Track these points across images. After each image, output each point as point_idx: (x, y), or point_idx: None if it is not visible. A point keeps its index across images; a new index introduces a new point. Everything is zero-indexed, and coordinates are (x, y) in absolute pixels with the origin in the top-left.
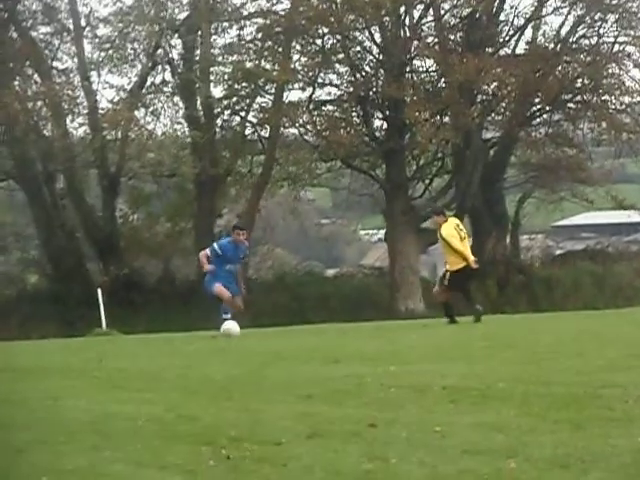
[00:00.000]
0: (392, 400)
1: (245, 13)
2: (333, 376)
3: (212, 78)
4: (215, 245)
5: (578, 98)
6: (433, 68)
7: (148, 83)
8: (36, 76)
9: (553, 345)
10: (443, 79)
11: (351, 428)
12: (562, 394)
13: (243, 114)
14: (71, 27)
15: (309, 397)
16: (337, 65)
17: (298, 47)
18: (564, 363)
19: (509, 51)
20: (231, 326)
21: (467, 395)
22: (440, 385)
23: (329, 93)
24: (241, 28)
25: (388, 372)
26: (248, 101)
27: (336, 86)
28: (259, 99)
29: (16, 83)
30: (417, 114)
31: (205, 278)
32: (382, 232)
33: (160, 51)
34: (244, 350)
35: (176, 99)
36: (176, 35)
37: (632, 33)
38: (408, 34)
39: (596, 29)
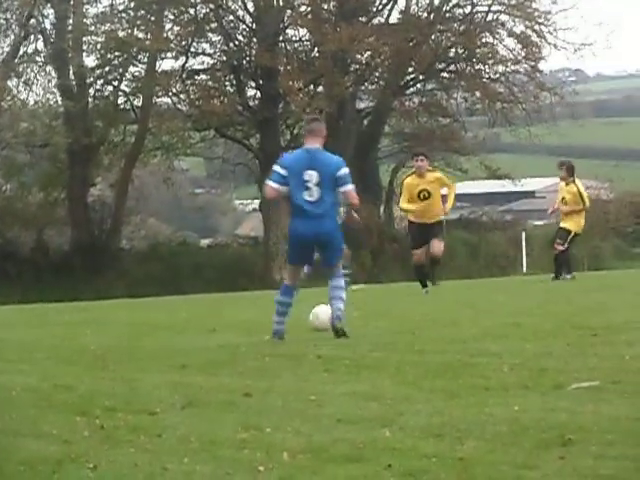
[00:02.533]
0: (267, 369)
1: None
2: (208, 346)
3: (85, 47)
4: None
5: (452, 67)
6: (306, 37)
7: (21, 52)
8: None
9: (428, 314)
10: (316, 48)
11: (226, 397)
12: (437, 363)
13: (116, 83)
14: None
15: (184, 367)
16: (210, 34)
17: (171, 16)
18: (439, 332)
19: (383, 20)
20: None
21: (342, 364)
22: (315, 354)
23: (202, 62)
24: None
25: (263, 341)
26: (121, 70)
27: (209, 55)
28: (132, 68)
29: None
30: (291, 83)
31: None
32: (257, 202)
33: (33, 21)
34: (119, 320)
35: (49, 69)
36: (49, 5)
37: (506, 2)
38: (281, 3)
39: None
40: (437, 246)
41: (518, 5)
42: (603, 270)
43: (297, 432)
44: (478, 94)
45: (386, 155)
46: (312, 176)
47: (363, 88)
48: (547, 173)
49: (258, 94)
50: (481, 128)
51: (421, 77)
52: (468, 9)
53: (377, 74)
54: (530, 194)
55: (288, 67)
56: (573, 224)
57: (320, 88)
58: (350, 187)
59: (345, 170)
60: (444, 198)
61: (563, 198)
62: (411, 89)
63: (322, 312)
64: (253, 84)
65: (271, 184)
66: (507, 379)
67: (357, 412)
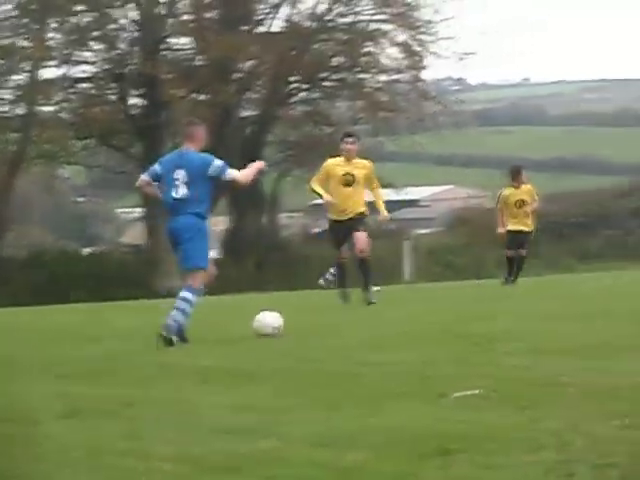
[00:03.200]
0: (146, 379)
1: None
2: (89, 355)
3: None
4: None
5: (335, 76)
6: (189, 45)
7: None
8: None
9: (309, 323)
10: (199, 56)
11: (107, 407)
12: (318, 372)
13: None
14: None
15: (65, 376)
16: (93, 43)
17: (54, 24)
18: (320, 341)
19: (266, 29)
20: None
21: (220, 374)
22: (194, 364)
23: (85, 71)
24: None
25: (143, 351)
26: (3, 78)
27: (92, 63)
28: (14, 76)
29: None
30: (174, 92)
31: None
32: (139, 210)
33: None
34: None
35: None
36: None
37: (388, 11)
38: (164, 11)
39: (353, 7)
40: (362, 238)
41: (400, 14)
42: (485, 279)
43: (176, 442)
44: (361, 103)
45: (270, 164)
46: (180, 174)
47: (247, 96)
48: (431, 182)
49: (141, 102)
50: (365, 137)
51: (305, 86)
52: (351, 18)
53: (260, 82)
54: (414, 203)
55: (171, 75)
56: (532, 225)
57: (203, 96)
58: (230, 173)
59: (217, 163)
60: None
61: (518, 201)
62: (295, 98)
63: (265, 318)
64: (136, 92)
65: (142, 176)
66: (389, 388)
67: (236, 422)
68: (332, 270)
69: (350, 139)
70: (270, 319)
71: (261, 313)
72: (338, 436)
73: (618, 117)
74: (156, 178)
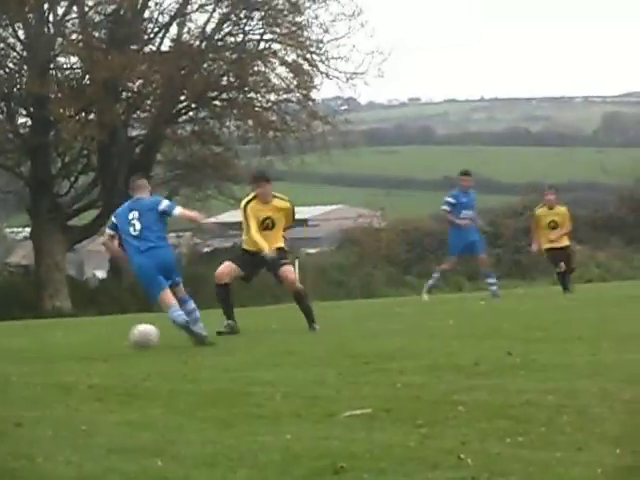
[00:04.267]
0: (38, 399)
1: None
2: None
3: None
4: None
5: (224, 96)
6: (78, 65)
7: None
8: None
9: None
10: (88, 76)
11: None
12: (210, 391)
13: None
14: None
15: None
16: None
17: None
18: (212, 360)
19: (155, 48)
20: None
21: (113, 393)
22: (86, 384)
23: None
24: None
25: (34, 370)
26: None
27: None
28: None
29: None
30: (62, 111)
31: None
32: (28, 230)
33: None
34: None
35: None
36: None
37: (278, 30)
38: (52, 31)
39: (242, 27)
40: (288, 271)
41: (290, 34)
42: (375, 297)
43: (68, 462)
44: (251, 122)
45: (158, 183)
46: (135, 215)
47: (135, 116)
48: (320, 201)
49: (29, 121)
50: (254, 156)
51: (193, 105)
52: (240, 37)
53: (149, 102)
54: (303, 222)
55: (59, 94)
56: (567, 239)
57: (92, 116)
58: (178, 210)
59: (165, 202)
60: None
61: (551, 222)
62: (183, 117)
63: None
64: (24, 111)
65: (107, 230)
66: (280, 407)
67: (129, 441)
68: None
69: (266, 182)
70: (150, 330)
71: (140, 326)
72: (228, 455)
73: (507, 136)
74: (114, 228)
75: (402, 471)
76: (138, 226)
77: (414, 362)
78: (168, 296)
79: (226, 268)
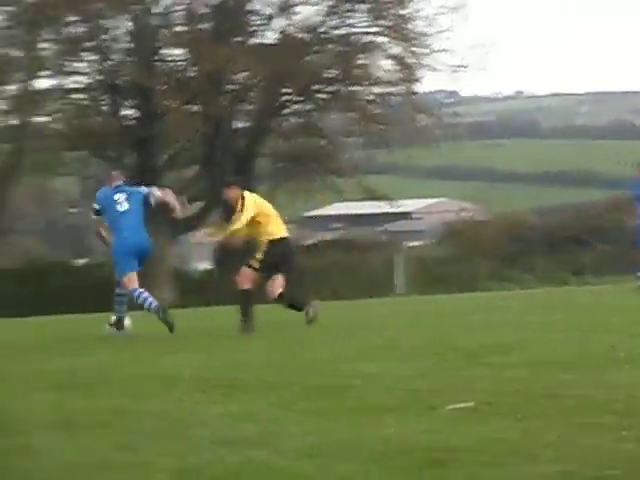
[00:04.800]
0: (142, 390)
1: None
2: (82, 366)
3: None
4: None
5: (328, 88)
6: (183, 57)
7: None
8: None
9: (302, 334)
10: (193, 68)
11: (101, 418)
12: (313, 383)
13: None
14: None
15: (59, 387)
16: (86, 53)
17: (46, 35)
18: (315, 352)
19: (259, 41)
20: None
21: (216, 385)
22: (189, 375)
23: (78, 81)
24: None
25: (138, 361)
26: None
27: (85, 74)
28: (7, 87)
29: None
30: (167, 103)
31: None
32: None
33: None
34: None
35: None
36: None
37: (382, 24)
38: (158, 22)
39: (347, 20)
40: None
41: (394, 27)
42: (478, 291)
43: (172, 453)
44: (355, 115)
45: (263, 176)
46: (121, 197)
47: (240, 108)
48: (424, 194)
49: (134, 113)
50: (357, 149)
51: (298, 98)
52: (345, 30)
53: (253, 94)
54: (406, 215)
55: (165, 86)
56: None
57: (197, 108)
58: (158, 192)
59: (144, 187)
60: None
61: None
62: (288, 109)
63: None
64: (129, 103)
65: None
66: (382, 400)
67: (232, 433)
68: None
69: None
70: None
71: None
72: (329, 448)
73: (611, 129)
74: (98, 213)
75: (503, 464)
76: (126, 205)
77: (516, 356)
78: (134, 279)
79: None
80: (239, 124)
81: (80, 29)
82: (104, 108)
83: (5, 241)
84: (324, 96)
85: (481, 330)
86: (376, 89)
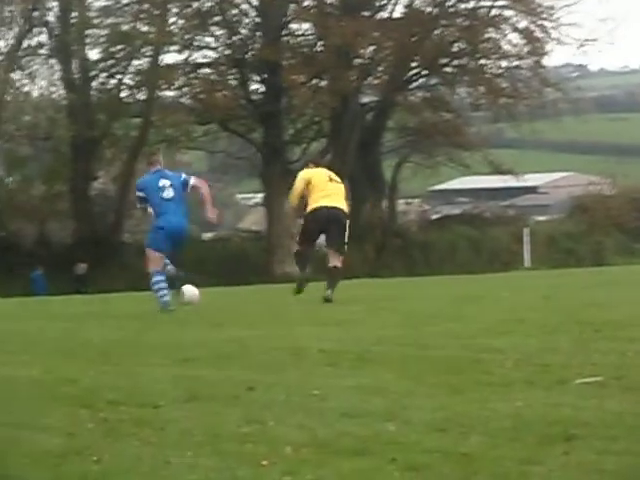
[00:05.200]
0: (271, 363)
1: None
2: (213, 339)
3: (88, 40)
4: None
5: (455, 62)
6: (310, 31)
7: (24, 45)
8: None
9: (431, 309)
10: (320, 42)
11: (230, 391)
12: (441, 358)
13: (119, 77)
14: None
15: (189, 360)
16: (214, 28)
17: (175, 9)
18: (443, 327)
19: (387, 15)
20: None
21: (345, 358)
22: (318, 348)
23: (206, 56)
24: None
25: (268, 335)
26: (124, 64)
27: (213, 49)
28: (135, 62)
29: None
30: (294, 77)
31: None
32: (259, 196)
33: (36, 13)
34: (124, 314)
35: (52, 61)
36: None
37: None
38: None
39: None
40: None
41: (522, 0)
42: (605, 265)
43: (300, 426)
44: (482, 89)
45: (389, 150)
46: (165, 183)
47: (367, 83)
48: (550, 168)
49: (261, 88)
50: (484, 123)
51: (425, 72)
52: (472, 4)
53: (381, 68)
54: (533, 189)
55: (292, 61)
56: None
57: (324, 82)
58: (193, 180)
59: (183, 174)
60: None
61: None
62: (415, 84)
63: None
64: (257, 78)
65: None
66: (511, 375)
67: (361, 406)
68: None
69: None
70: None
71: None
72: (459, 421)
73: None
74: (144, 201)
75: (633, 439)
76: (171, 192)
77: None
78: (159, 261)
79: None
80: (366, 99)
81: (208, 3)
82: (231, 82)
83: (131, 216)
84: (451, 70)
85: (608, 305)
86: (503, 63)
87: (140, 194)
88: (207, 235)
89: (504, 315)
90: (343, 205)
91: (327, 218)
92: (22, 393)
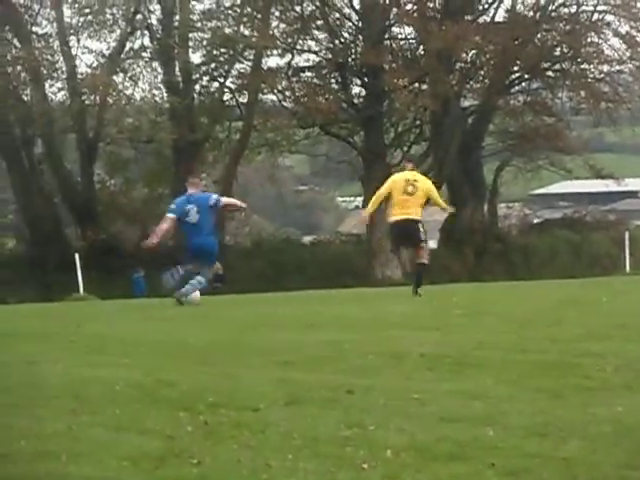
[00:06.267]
0: (370, 367)
1: None
2: (311, 342)
3: (191, 44)
4: None
5: (557, 67)
6: (412, 35)
7: (127, 48)
8: (15, 41)
9: (531, 313)
10: (422, 46)
11: (329, 394)
12: (540, 362)
13: (222, 80)
14: None
15: (287, 363)
16: (316, 32)
17: (277, 13)
18: (542, 331)
19: (488, 19)
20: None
21: (444, 362)
22: (418, 352)
23: (308, 60)
24: None
25: (366, 339)
26: (227, 67)
27: (315, 53)
28: (237, 65)
29: None
30: (396, 81)
31: None
32: (360, 199)
33: (139, 16)
34: (222, 317)
35: (155, 64)
36: (155, 0)
37: (612, 2)
38: (387, 1)
39: None
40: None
41: (623, 5)
42: None
43: (400, 430)
44: (583, 93)
45: (490, 153)
46: (192, 208)
47: (468, 86)
48: None
49: (363, 92)
50: (585, 128)
51: (526, 76)
52: (574, 9)
53: (482, 73)
54: (633, 194)
55: (393, 65)
56: None
57: (425, 86)
58: (223, 200)
59: (213, 196)
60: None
61: None
62: (516, 88)
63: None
64: (358, 82)
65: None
66: (611, 380)
67: (460, 410)
68: None
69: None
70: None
71: None
72: (558, 426)
73: None
74: (174, 212)
75: None
76: (195, 217)
77: None
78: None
79: None
80: (467, 102)
81: (310, 7)
82: (333, 86)
83: (233, 218)
84: (553, 74)
85: None
86: (605, 67)
87: (171, 206)
88: (307, 238)
89: (604, 320)
90: (415, 214)
91: (400, 230)
92: (122, 396)
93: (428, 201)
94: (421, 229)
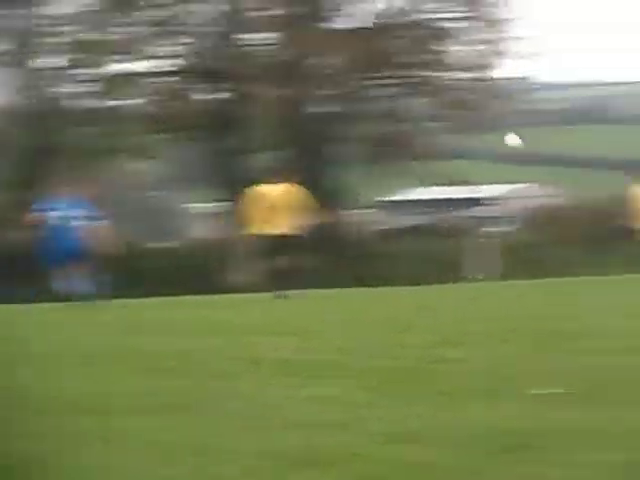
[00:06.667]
0: (228, 372)
1: None
2: (158, 351)
3: (47, 48)
4: None
5: (411, 73)
6: (269, 41)
7: None
8: None
9: (386, 319)
10: (279, 52)
11: (182, 401)
12: (398, 368)
13: (76, 85)
14: None
15: (147, 370)
16: (177, 36)
17: (137, 18)
18: (398, 337)
19: (344, 26)
20: None
21: (302, 368)
22: (275, 358)
23: (165, 65)
24: None
25: (224, 344)
26: (86, 71)
27: (175, 57)
28: (99, 70)
29: None
30: (253, 86)
31: None
32: (211, 205)
33: None
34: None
35: (10, 69)
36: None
37: (462, 10)
38: (247, 7)
39: (425, 5)
40: None
41: (473, 13)
42: (564, 277)
43: (257, 437)
44: (438, 100)
45: (345, 160)
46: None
47: (322, 93)
48: (503, 180)
49: (220, 97)
50: (439, 134)
51: (380, 83)
52: (422, 16)
53: (336, 79)
54: (488, 200)
55: (251, 70)
56: None
57: (280, 92)
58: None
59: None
60: None
61: None
62: (370, 94)
63: None
64: (217, 87)
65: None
66: (467, 385)
67: (319, 417)
68: None
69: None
70: None
71: None
72: (413, 432)
73: None
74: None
75: (588, 451)
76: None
77: (606, 341)
78: None
79: None
80: (320, 108)
81: (171, 12)
82: (190, 91)
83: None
84: (407, 81)
85: (568, 315)
86: (456, 74)
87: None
88: (158, 245)
89: (460, 326)
90: (282, 227)
91: (268, 242)
92: None
93: (294, 210)
94: (290, 240)
